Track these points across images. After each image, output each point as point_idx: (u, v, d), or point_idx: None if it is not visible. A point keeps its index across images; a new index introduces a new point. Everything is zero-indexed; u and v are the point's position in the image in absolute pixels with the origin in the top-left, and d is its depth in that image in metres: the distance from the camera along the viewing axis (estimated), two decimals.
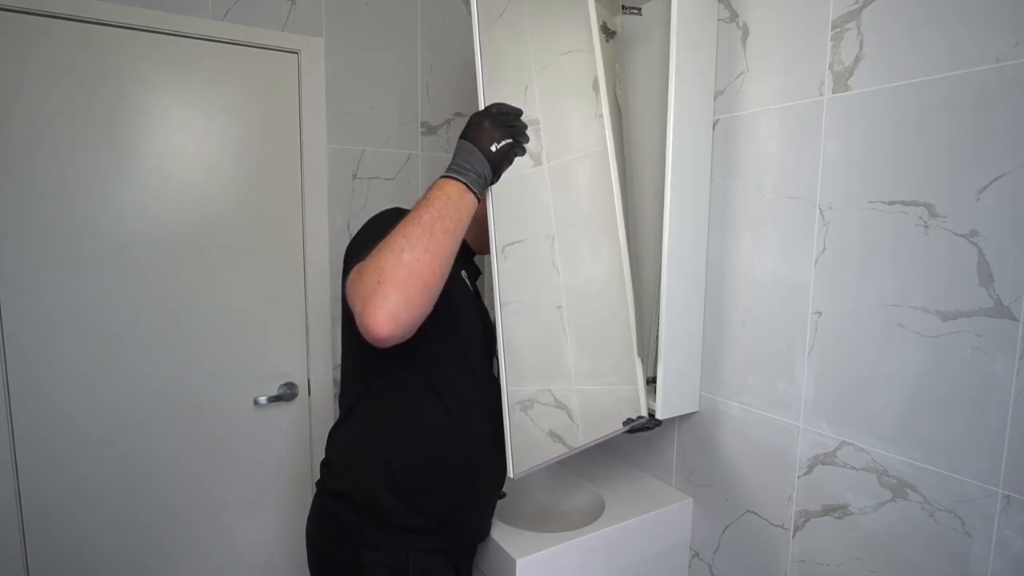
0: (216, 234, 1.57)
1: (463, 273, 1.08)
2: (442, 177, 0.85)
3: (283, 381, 1.71)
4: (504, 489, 1.16)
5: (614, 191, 1.16)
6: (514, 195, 1.04)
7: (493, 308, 1.03)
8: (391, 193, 1.84)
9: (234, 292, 1.61)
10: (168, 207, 1.51)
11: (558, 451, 1.06)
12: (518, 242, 1.05)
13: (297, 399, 1.73)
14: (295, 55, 1.64)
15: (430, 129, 1.89)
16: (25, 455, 1.40)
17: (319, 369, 1.75)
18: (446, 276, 0.81)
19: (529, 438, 1.04)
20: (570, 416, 1.10)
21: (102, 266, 1.45)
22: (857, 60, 0.96)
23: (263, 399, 1.67)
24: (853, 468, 1.00)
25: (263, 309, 1.66)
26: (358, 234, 0.97)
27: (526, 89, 1.09)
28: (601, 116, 1.16)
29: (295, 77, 1.65)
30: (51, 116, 1.37)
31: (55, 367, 1.41)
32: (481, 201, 0.88)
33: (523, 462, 1.02)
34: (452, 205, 0.81)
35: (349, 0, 1.71)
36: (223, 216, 1.58)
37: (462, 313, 1.03)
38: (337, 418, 1.08)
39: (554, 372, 1.09)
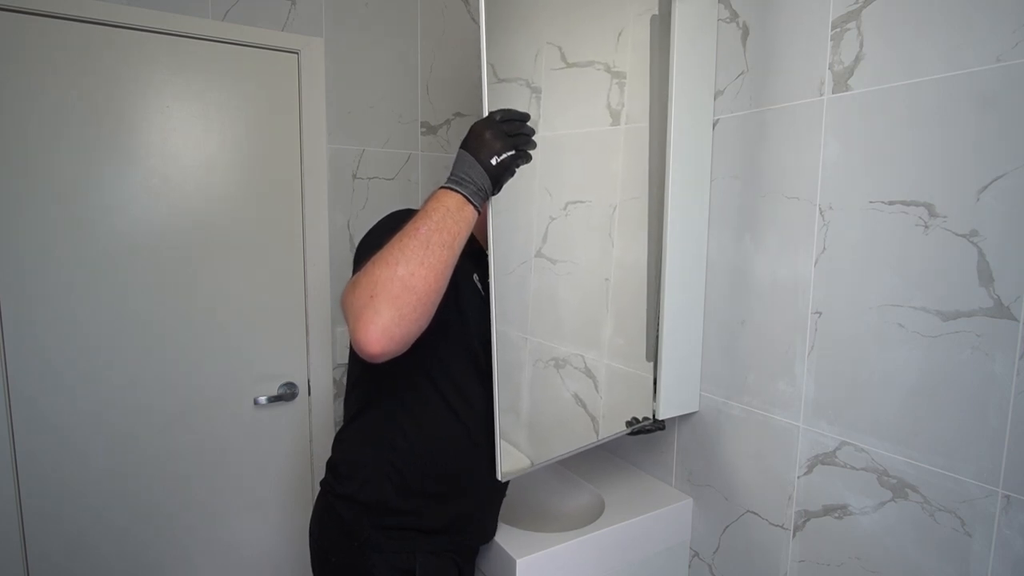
0: (216, 234, 1.57)
1: (475, 276, 1.06)
2: (441, 188, 0.83)
3: (283, 381, 1.71)
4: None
5: (647, 178, 1.11)
6: (586, 153, 0.96)
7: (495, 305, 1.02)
8: (391, 193, 1.84)
9: (234, 292, 1.61)
10: (168, 207, 1.51)
11: (559, 451, 1.06)
12: (580, 202, 0.99)
13: (297, 399, 1.73)
14: (295, 55, 1.64)
15: (430, 129, 1.89)
16: (25, 455, 1.40)
17: (319, 369, 1.75)
18: (443, 290, 0.79)
19: (555, 398, 1.02)
20: (596, 387, 1.08)
21: (102, 265, 1.45)
22: (857, 60, 0.96)
23: (263, 399, 1.67)
24: (853, 468, 1.00)
25: (263, 309, 1.66)
26: (365, 238, 0.96)
27: (619, 35, 0.96)
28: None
29: (295, 77, 1.65)
30: (51, 116, 1.37)
31: (55, 367, 1.42)
32: (481, 213, 0.86)
33: (532, 450, 1.00)
34: (451, 217, 0.79)
35: (349, 0, 1.71)
36: (223, 216, 1.58)
37: (470, 316, 1.02)
38: (343, 421, 1.08)
39: (590, 341, 1.07)
